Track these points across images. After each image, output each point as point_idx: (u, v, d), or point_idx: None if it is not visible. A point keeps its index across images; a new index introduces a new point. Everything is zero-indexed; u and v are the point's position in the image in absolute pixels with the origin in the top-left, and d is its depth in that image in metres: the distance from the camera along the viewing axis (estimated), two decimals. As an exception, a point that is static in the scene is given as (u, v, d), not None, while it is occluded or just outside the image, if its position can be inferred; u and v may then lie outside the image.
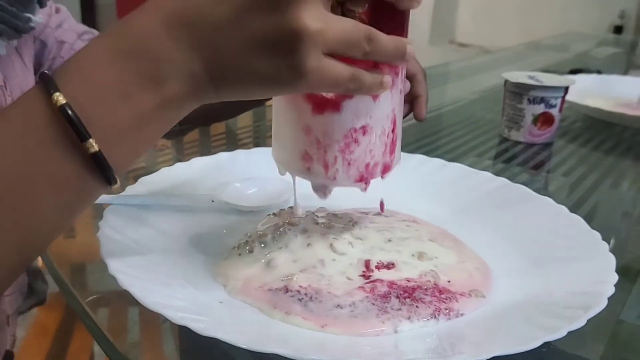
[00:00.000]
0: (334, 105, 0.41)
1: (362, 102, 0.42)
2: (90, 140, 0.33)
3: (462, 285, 0.44)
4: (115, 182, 0.35)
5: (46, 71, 0.34)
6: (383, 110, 0.43)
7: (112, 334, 0.42)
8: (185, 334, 0.42)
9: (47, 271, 0.55)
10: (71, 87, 0.33)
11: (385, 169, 0.46)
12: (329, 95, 0.41)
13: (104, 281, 0.37)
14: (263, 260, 0.45)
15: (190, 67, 0.34)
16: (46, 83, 0.33)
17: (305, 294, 0.42)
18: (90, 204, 0.37)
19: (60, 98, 0.32)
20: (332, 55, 0.35)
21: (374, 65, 0.39)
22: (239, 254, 0.47)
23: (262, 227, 0.50)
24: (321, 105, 0.41)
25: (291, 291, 0.42)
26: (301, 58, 0.33)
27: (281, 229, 0.48)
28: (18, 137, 0.33)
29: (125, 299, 0.36)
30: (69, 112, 0.32)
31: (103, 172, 0.34)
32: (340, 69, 0.35)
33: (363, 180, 0.45)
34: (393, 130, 0.45)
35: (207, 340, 0.33)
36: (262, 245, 0.47)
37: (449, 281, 0.44)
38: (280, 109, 0.44)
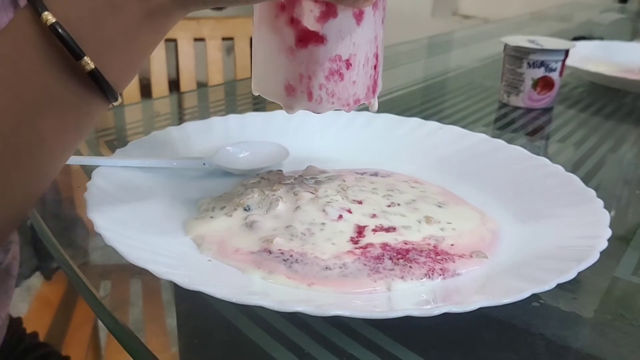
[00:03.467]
0: (317, 38, 0.41)
1: (346, 26, 0.41)
2: (85, 58, 0.32)
3: (466, 247, 0.44)
4: (116, 99, 0.35)
5: None
6: (366, 35, 0.43)
7: (113, 307, 0.42)
8: (181, 304, 0.42)
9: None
10: (59, 5, 0.32)
11: (368, 96, 0.46)
12: (312, 26, 0.41)
13: (107, 255, 0.37)
14: (243, 224, 0.45)
15: None
16: (34, 2, 0.32)
17: (291, 255, 0.41)
18: (93, 124, 0.37)
19: (49, 17, 0.32)
20: None
21: None
22: (211, 217, 0.46)
23: (247, 190, 0.49)
24: (304, 39, 0.41)
25: (274, 252, 0.41)
26: None
27: (267, 192, 0.47)
28: (12, 61, 0.33)
29: (128, 271, 0.35)
30: (60, 31, 0.32)
31: (102, 89, 0.34)
32: None
33: (347, 106, 0.45)
34: (376, 63, 0.45)
35: (204, 309, 0.33)
36: (246, 208, 0.46)
37: (452, 245, 0.44)
38: (262, 38, 0.43)
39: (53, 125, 0.34)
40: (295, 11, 0.41)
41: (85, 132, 0.37)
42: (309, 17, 0.40)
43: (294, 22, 0.41)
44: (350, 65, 0.43)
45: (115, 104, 0.35)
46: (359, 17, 0.41)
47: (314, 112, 0.44)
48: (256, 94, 0.46)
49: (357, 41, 0.42)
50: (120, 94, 0.36)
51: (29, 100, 0.33)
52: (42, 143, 0.34)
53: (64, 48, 0.32)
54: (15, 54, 0.33)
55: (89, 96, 0.34)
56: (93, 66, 0.33)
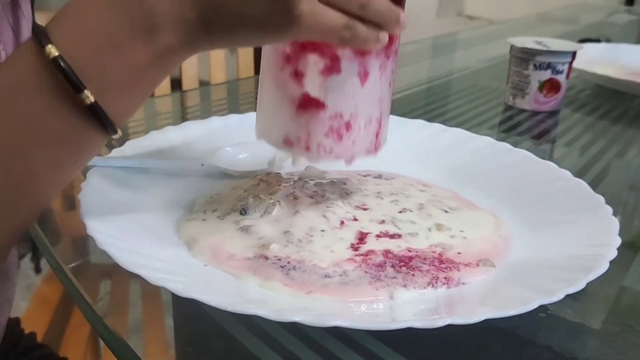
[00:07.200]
0: (318, 104, 0.41)
1: (349, 84, 0.41)
2: (86, 91, 0.32)
3: (474, 255, 0.42)
4: (115, 132, 0.35)
5: (38, 23, 0.33)
6: (370, 96, 0.42)
7: (108, 311, 0.41)
8: (178, 310, 0.41)
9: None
10: (63, 39, 0.32)
11: (369, 152, 0.45)
12: (314, 92, 0.40)
13: (107, 254, 0.36)
14: (238, 228, 0.43)
15: (183, 15, 0.33)
16: (38, 35, 0.32)
17: (288, 262, 0.40)
18: (93, 156, 0.37)
19: (52, 50, 0.32)
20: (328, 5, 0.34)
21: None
22: (203, 219, 0.45)
23: (244, 193, 0.48)
24: (306, 103, 0.41)
25: (270, 258, 0.40)
26: (293, 2, 0.33)
27: (263, 195, 0.46)
28: (13, 92, 0.33)
29: (126, 273, 0.34)
30: (62, 64, 0.31)
31: (101, 123, 0.33)
32: (334, 15, 0.35)
33: (344, 160, 0.44)
34: (378, 130, 0.45)
35: (200, 316, 0.32)
36: (242, 212, 0.45)
37: (459, 253, 0.42)
38: (267, 89, 0.43)
39: (49, 157, 0.34)
40: (300, 63, 0.40)
41: (82, 165, 0.37)
42: (313, 71, 0.40)
43: (297, 75, 0.40)
44: (350, 127, 0.42)
45: (115, 137, 0.35)
46: (364, 76, 0.41)
47: (312, 161, 0.44)
48: (258, 138, 0.46)
49: (359, 102, 0.42)
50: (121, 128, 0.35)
51: (27, 131, 0.33)
52: (36, 174, 0.34)
53: (65, 81, 0.32)
54: (16, 85, 0.33)
55: (88, 129, 0.34)
56: (93, 99, 0.32)
